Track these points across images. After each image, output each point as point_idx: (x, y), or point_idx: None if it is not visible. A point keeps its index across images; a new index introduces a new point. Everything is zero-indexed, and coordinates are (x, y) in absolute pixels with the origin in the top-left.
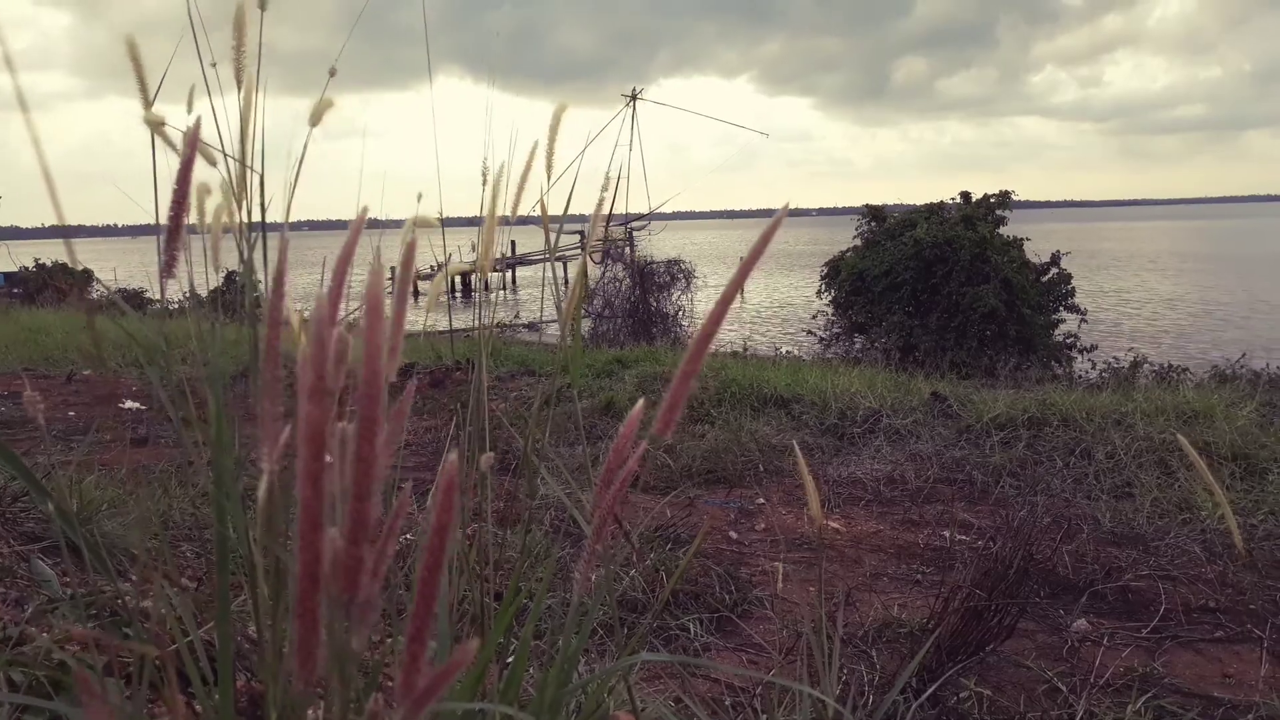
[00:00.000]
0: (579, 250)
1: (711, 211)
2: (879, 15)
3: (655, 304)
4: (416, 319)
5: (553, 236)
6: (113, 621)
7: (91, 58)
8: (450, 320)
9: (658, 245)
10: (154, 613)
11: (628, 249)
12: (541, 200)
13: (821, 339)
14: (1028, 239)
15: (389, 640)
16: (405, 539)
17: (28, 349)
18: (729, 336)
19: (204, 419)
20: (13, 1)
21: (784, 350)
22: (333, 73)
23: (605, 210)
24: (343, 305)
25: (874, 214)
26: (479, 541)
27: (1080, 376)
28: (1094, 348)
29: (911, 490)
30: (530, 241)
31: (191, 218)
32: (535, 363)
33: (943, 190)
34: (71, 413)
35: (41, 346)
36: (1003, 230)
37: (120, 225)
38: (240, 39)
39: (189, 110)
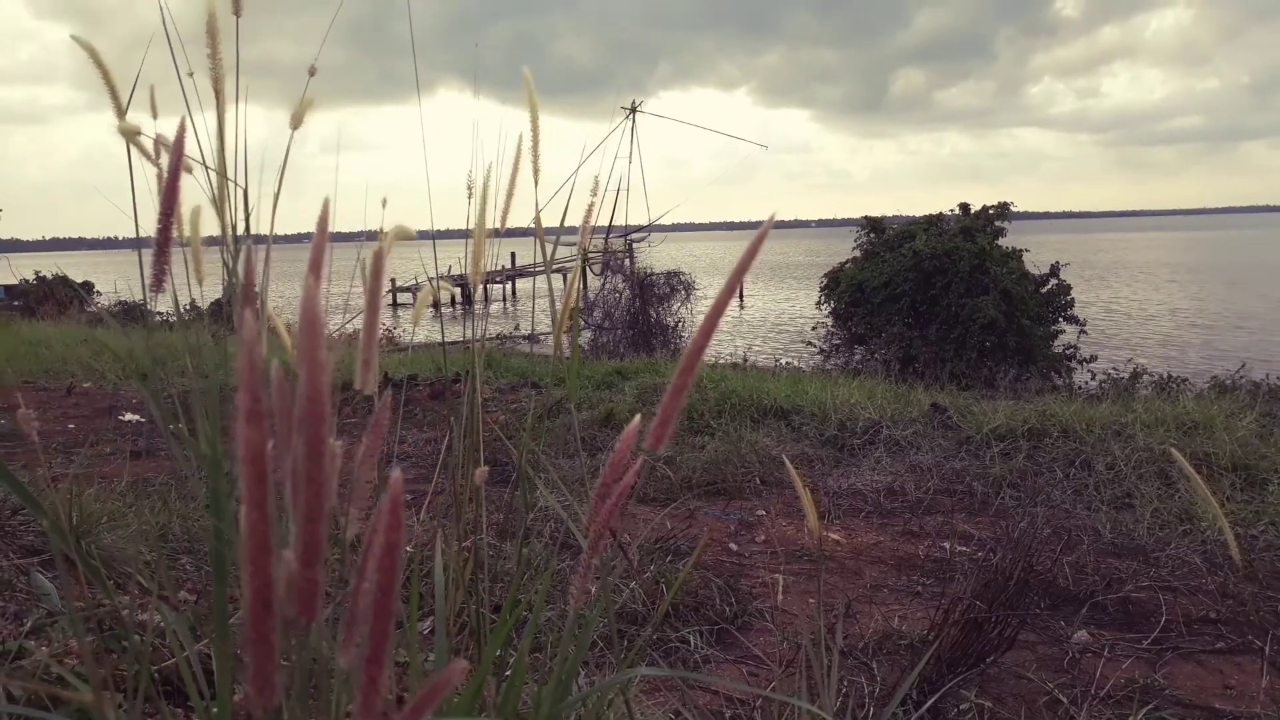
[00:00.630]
0: (581, 260)
1: (711, 223)
2: (877, 28)
3: (655, 315)
4: (417, 332)
5: (550, 248)
6: (111, 635)
7: (93, 70)
8: (443, 332)
9: (657, 257)
10: (150, 625)
11: (627, 260)
12: (536, 213)
13: (821, 350)
14: (1027, 250)
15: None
16: (406, 551)
17: (28, 361)
18: (729, 348)
19: (194, 434)
20: (14, 15)
21: (784, 361)
22: (312, 72)
23: (594, 217)
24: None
25: (873, 225)
26: (476, 554)
27: (1080, 387)
28: (1094, 358)
29: (911, 502)
30: (531, 253)
31: (187, 230)
32: (536, 374)
33: (941, 202)
34: (71, 425)
35: (41, 359)
36: (1002, 241)
37: (120, 238)
38: (215, 47)
39: (153, 116)
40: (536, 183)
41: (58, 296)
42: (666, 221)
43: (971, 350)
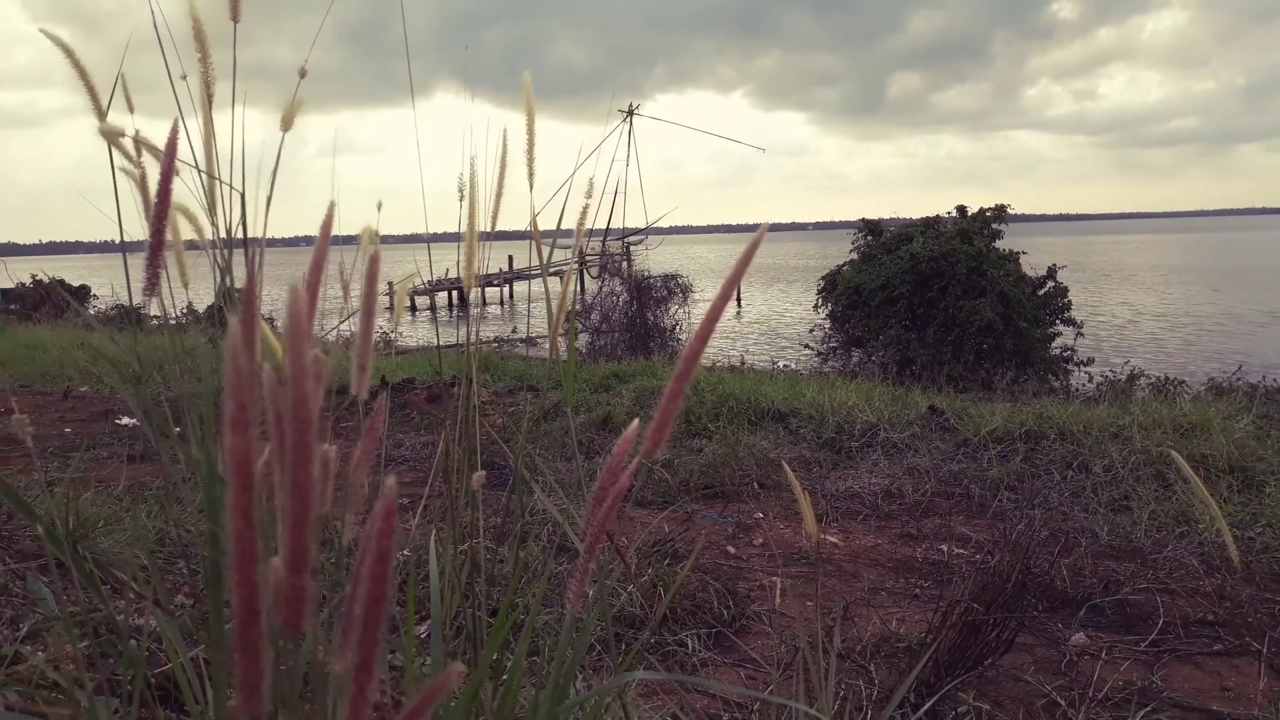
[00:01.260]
0: (575, 265)
1: (708, 226)
2: (874, 31)
3: (652, 318)
4: (415, 335)
5: (546, 251)
6: (107, 640)
7: (91, 74)
8: (438, 335)
9: (655, 259)
10: (147, 630)
11: (625, 263)
12: (532, 216)
13: (819, 353)
14: (1024, 252)
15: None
16: (403, 555)
17: (25, 365)
18: (727, 352)
19: (184, 438)
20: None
21: (781, 364)
22: (302, 74)
23: (590, 220)
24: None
25: (870, 228)
26: (473, 558)
27: (1077, 390)
28: (1090, 361)
29: (909, 504)
30: (529, 256)
31: (187, 233)
32: (533, 377)
33: (938, 204)
34: (68, 429)
35: (38, 363)
36: (999, 244)
37: (116, 242)
38: (204, 50)
39: (130, 111)
40: (532, 186)
41: (54, 300)
42: (664, 224)
43: (969, 352)
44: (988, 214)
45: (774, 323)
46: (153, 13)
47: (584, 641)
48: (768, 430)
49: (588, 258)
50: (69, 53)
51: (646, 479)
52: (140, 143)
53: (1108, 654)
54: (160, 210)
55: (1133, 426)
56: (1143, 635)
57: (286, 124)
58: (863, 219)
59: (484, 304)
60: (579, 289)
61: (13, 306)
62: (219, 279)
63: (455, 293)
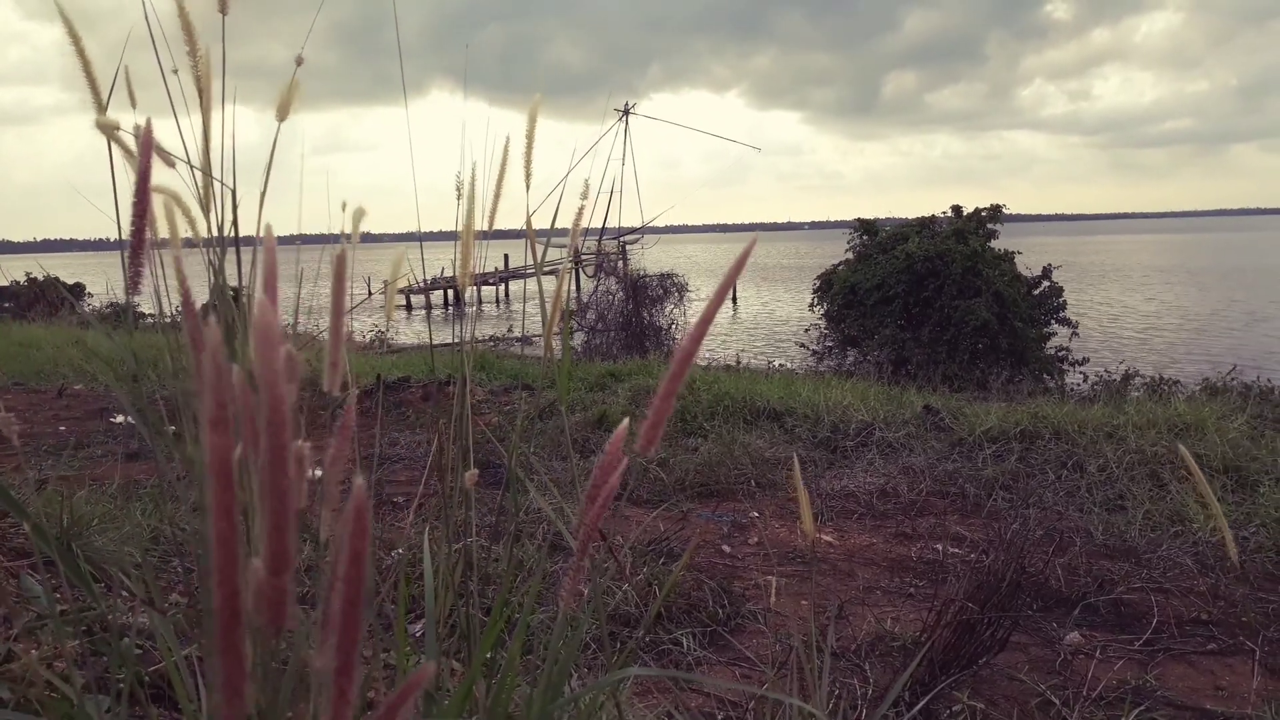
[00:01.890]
0: (569, 264)
1: (703, 225)
2: (869, 30)
3: (648, 317)
4: (411, 334)
5: (542, 250)
6: (101, 638)
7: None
8: (430, 334)
9: (650, 259)
10: (140, 628)
11: (620, 262)
12: (527, 215)
13: (814, 352)
14: (1019, 252)
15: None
16: (396, 553)
17: (19, 363)
18: (722, 351)
19: (179, 436)
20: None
21: (777, 363)
22: (299, 62)
23: (586, 219)
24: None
25: (865, 228)
26: (467, 556)
27: (1072, 389)
28: (1085, 360)
29: (904, 503)
30: (525, 255)
31: (185, 231)
32: (529, 376)
33: (932, 203)
34: (63, 427)
35: (32, 361)
36: (994, 244)
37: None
38: (193, 44)
39: (133, 106)
40: (528, 186)
41: (49, 298)
42: (659, 223)
43: (964, 352)
44: (983, 214)
45: (770, 322)
46: (145, 9)
47: (578, 639)
48: (763, 429)
49: (583, 257)
50: (76, 40)
51: (642, 477)
52: (144, 142)
53: (1102, 653)
54: (139, 208)
55: (1127, 426)
56: (1137, 634)
57: (282, 113)
58: (858, 218)
59: (480, 303)
60: (574, 288)
61: (7, 304)
62: (212, 276)
63: (451, 291)
